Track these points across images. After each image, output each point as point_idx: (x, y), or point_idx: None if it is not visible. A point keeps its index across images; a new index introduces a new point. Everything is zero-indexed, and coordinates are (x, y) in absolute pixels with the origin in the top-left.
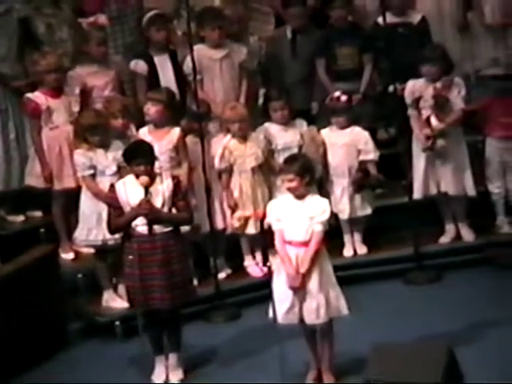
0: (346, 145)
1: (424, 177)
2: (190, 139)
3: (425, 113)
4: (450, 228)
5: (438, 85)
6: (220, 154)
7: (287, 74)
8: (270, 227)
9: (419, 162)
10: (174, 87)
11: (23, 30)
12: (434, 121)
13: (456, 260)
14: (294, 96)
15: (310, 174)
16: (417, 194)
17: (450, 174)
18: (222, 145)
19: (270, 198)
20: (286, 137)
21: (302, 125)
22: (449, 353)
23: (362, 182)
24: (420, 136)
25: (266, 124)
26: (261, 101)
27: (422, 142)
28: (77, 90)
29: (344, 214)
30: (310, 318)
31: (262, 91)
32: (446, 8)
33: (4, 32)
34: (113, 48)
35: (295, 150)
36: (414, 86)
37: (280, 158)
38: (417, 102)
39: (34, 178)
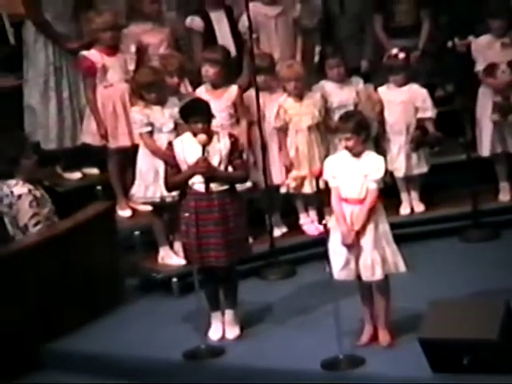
0: (404, 102)
1: (492, 134)
2: (252, 94)
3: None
4: (504, 186)
5: (506, 39)
6: (275, 112)
7: (339, 31)
8: (325, 186)
9: (485, 118)
10: (230, 44)
11: None
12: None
13: None
14: (346, 54)
15: (366, 132)
16: (485, 151)
17: None
18: (277, 103)
19: (327, 156)
20: (341, 95)
21: (358, 83)
22: (505, 309)
23: (420, 140)
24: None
25: (322, 82)
26: (316, 58)
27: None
28: (132, 48)
29: (400, 172)
30: (366, 275)
31: (317, 49)
32: None
33: None
34: (167, 5)
35: (351, 108)
36: (480, 42)
37: (336, 116)
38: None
39: (89, 136)
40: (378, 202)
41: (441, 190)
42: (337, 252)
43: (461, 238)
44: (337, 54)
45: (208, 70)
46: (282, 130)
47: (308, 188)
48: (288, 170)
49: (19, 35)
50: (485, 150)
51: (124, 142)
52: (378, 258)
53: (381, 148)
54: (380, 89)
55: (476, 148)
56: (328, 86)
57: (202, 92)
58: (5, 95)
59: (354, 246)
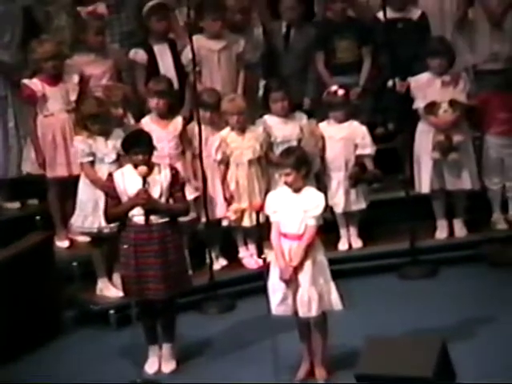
0: (344, 139)
1: (431, 171)
2: (194, 127)
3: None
4: (442, 224)
5: (446, 78)
6: (217, 145)
7: (282, 67)
8: (265, 220)
9: (427, 156)
10: (173, 77)
11: (26, 18)
12: (454, 135)
13: (451, 255)
14: (290, 89)
15: (307, 167)
16: (424, 188)
17: (455, 169)
18: (219, 136)
19: (268, 191)
20: (285, 129)
21: (301, 118)
22: (442, 347)
23: (358, 176)
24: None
25: (266, 116)
26: (261, 92)
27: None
28: (75, 79)
29: (339, 208)
30: (303, 311)
31: (262, 83)
32: (447, 3)
33: (8, 20)
34: (110, 36)
35: (294, 144)
36: (420, 79)
37: (278, 151)
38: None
39: (29, 164)
40: (317, 238)
41: (379, 226)
42: (275, 287)
43: (398, 274)
44: (281, 88)
45: (157, 102)
46: (223, 163)
47: (247, 221)
48: (229, 203)
49: None
50: (424, 186)
51: (62, 172)
52: (314, 294)
53: (321, 183)
54: (321, 124)
55: (414, 185)
56: (271, 120)
57: (148, 122)
58: None
59: (291, 282)
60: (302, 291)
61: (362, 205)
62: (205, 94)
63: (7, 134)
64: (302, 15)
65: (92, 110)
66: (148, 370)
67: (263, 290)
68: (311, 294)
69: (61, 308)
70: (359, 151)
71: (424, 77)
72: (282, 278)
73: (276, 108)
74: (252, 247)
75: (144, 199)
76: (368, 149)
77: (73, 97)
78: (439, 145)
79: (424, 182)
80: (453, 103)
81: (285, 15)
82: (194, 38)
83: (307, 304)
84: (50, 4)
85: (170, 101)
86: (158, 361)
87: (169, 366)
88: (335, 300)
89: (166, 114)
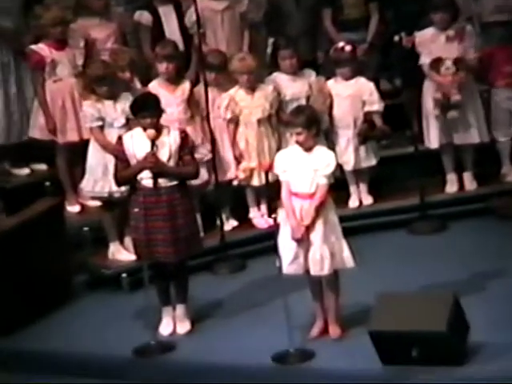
0: (351, 96)
1: (439, 126)
2: (200, 89)
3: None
4: (452, 178)
5: (451, 32)
6: (225, 104)
7: (291, 24)
8: (275, 179)
9: (431, 111)
10: (178, 39)
11: None
12: (453, 94)
13: (461, 210)
14: (299, 47)
15: (317, 126)
16: (433, 143)
17: (464, 123)
18: (228, 95)
19: (278, 149)
20: (294, 87)
21: (310, 75)
22: (454, 302)
23: (367, 133)
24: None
25: (275, 74)
26: (269, 50)
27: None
28: (81, 43)
29: (349, 166)
30: (315, 270)
31: (270, 40)
32: None
33: None
34: (115, 0)
35: (303, 101)
36: (424, 35)
37: (288, 109)
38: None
39: (37, 131)
40: (328, 196)
41: (389, 183)
42: (286, 246)
43: (408, 230)
44: (289, 46)
45: (167, 67)
46: (232, 122)
47: (257, 181)
48: (238, 162)
49: None
50: (433, 141)
51: (72, 137)
52: (327, 252)
53: (329, 141)
54: (328, 82)
55: (423, 141)
56: (280, 78)
57: (156, 87)
58: None
59: (303, 241)
60: (314, 250)
61: (372, 161)
62: (210, 56)
63: (9, 101)
64: None
65: (98, 72)
66: (162, 332)
67: (274, 250)
68: (323, 252)
69: (73, 273)
70: (367, 108)
71: (428, 32)
72: (294, 236)
73: (285, 65)
74: (263, 207)
75: (152, 162)
76: (376, 105)
77: (79, 61)
78: (437, 102)
79: (432, 137)
80: (457, 62)
81: None
82: None
83: (319, 262)
84: None
85: (178, 64)
86: (173, 322)
87: (183, 327)
88: (347, 258)
89: (174, 78)
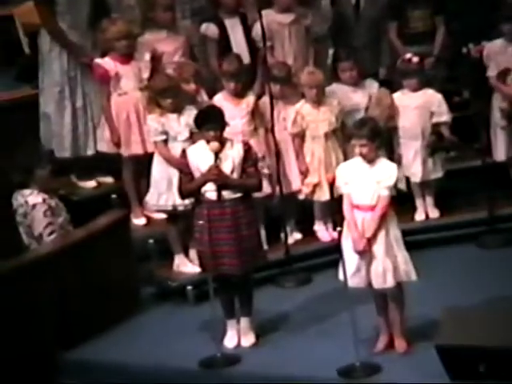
0: (419, 107)
1: (506, 138)
2: (266, 101)
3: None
4: None
5: None
6: (293, 118)
7: (353, 37)
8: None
9: (499, 123)
10: (245, 50)
11: None
12: None
13: None
14: (361, 59)
15: (380, 138)
16: (500, 155)
17: None
18: (295, 109)
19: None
20: (354, 98)
21: (372, 86)
22: None
23: (436, 145)
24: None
25: (334, 85)
26: (329, 62)
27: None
28: (147, 57)
29: (416, 178)
30: (378, 282)
31: (330, 52)
32: None
33: (75, 0)
34: (180, 13)
35: (362, 112)
36: (493, 46)
37: (348, 120)
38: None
39: (104, 144)
40: (390, 209)
41: (456, 196)
42: (348, 259)
43: (477, 244)
44: (350, 57)
45: (235, 87)
46: (299, 137)
47: (326, 195)
48: (304, 176)
49: (34, 45)
50: (500, 154)
51: (137, 150)
52: (389, 265)
53: (396, 153)
54: (395, 94)
55: (491, 154)
56: (340, 89)
57: (221, 99)
58: (21, 105)
59: (365, 253)
60: (376, 262)
61: (439, 173)
62: (275, 68)
63: (76, 114)
64: None
65: (162, 85)
66: (227, 345)
67: (339, 263)
68: (386, 265)
69: (139, 285)
70: (435, 119)
71: (497, 43)
72: (356, 249)
73: (345, 77)
74: (327, 220)
75: (215, 175)
76: (444, 116)
77: (145, 74)
78: (504, 113)
79: (500, 150)
80: None
81: None
82: (264, 12)
83: (382, 275)
84: None
85: (243, 80)
86: (237, 335)
87: (248, 340)
88: (410, 271)
89: (240, 93)
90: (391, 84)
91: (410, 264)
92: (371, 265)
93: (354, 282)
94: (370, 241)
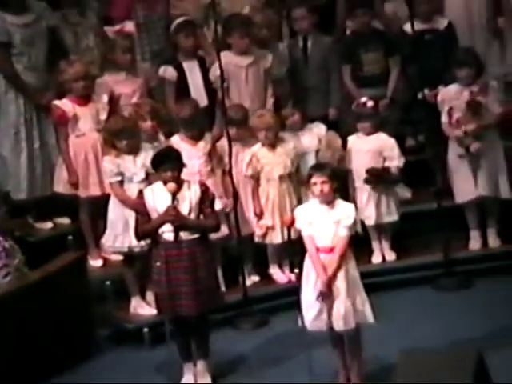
0: (372, 151)
1: (463, 180)
2: (224, 144)
3: (456, 116)
4: (475, 234)
5: (475, 88)
6: (248, 160)
7: (302, 80)
8: (297, 235)
9: (458, 166)
10: (203, 93)
11: (52, 39)
12: (467, 124)
13: (486, 266)
14: (309, 103)
15: (338, 181)
16: (459, 198)
17: (486, 176)
18: (251, 151)
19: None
20: (302, 142)
21: (320, 128)
22: (479, 359)
23: (377, 172)
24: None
25: (281, 133)
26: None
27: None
28: (105, 98)
29: (371, 220)
30: (338, 324)
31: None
32: (475, 13)
33: (34, 41)
34: (140, 55)
35: (312, 155)
36: (448, 92)
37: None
38: (450, 107)
39: (61, 185)
40: (349, 250)
41: (412, 238)
42: (309, 303)
43: (433, 286)
44: (288, 103)
45: (186, 130)
46: (254, 179)
47: (279, 238)
48: (259, 219)
49: None
50: (458, 196)
51: (95, 191)
52: (350, 306)
53: (350, 196)
54: (349, 138)
55: (446, 196)
56: (287, 135)
57: (178, 141)
58: None
59: (326, 296)
60: (337, 304)
61: (394, 217)
62: (231, 110)
63: (33, 156)
64: (316, 26)
65: (117, 126)
66: None
67: (296, 305)
68: (347, 306)
69: (95, 327)
70: (387, 163)
71: (452, 88)
72: (323, 291)
73: (288, 123)
74: (284, 262)
75: (173, 216)
76: (396, 160)
77: (103, 116)
78: (459, 140)
79: (460, 192)
80: (471, 104)
81: (297, 25)
82: (222, 54)
83: (343, 317)
84: (78, 25)
85: (199, 125)
86: (194, 378)
87: (205, 382)
88: (368, 313)
89: (197, 134)
90: (340, 125)
91: (368, 306)
92: (332, 307)
93: (316, 325)
94: (331, 281)
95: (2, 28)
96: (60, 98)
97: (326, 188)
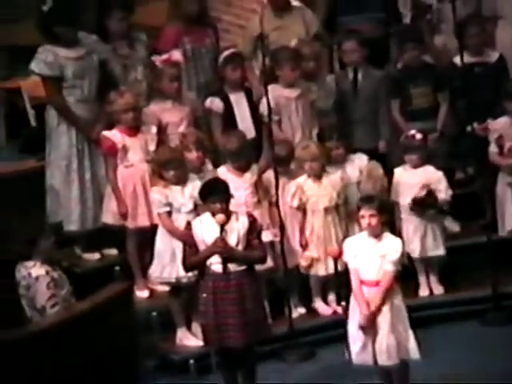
0: (419, 184)
1: None
2: (270, 175)
3: (508, 145)
4: None
5: None
6: (293, 192)
7: (352, 112)
8: (344, 268)
9: (506, 196)
10: (250, 125)
11: (102, 71)
12: None
13: None
14: (356, 135)
15: (387, 214)
16: (508, 225)
17: None
18: (296, 183)
19: (345, 239)
20: (345, 173)
21: (362, 160)
22: None
23: (423, 199)
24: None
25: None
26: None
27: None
28: (153, 129)
29: (415, 253)
30: (382, 359)
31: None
32: None
33: (85, 74)
34: (186, 85)
35: (354, 187)
36: (497, 124)
37: None
38: (499, 135)
39: (110, 216)
40: (395, 283)
41: (461, 272)
42: (355, 335)
43: (481, 321)
44: (332, 136)
45: (233, 162)
46: (300, 210)
47: (323, 270)
48: (304, 250)
49: (41, 117)
50: (506, 228)
51: (143, 222)
52: (393, 341)
53: (396, 229)
54: (396, 170)
55: (496, 230)
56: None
57: (224, 172)
58: (25, 177)
59: (369, 329)
60: (380, 338)
61: (440, 251)
62: (277, 147)
63: (84, 187)
64: (366, 59)
65: (165, 157)
66: None
67: (343, 338)
68: (390, 341)
69: (142, 358)
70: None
71: (501, 121)
72: (364, 324)
73: (333, 155)
74: (331, 295)
75: (221, 247)
76: (443, 193)
77: (152, 147)
78: (510, 169)
79: (507, 224)
80: None
81: (347, 58)
82: (270, 87)
83: (386, 351)
84: (127, 57)
85: (246, 158)
86: None
87: None
88: (413, 348)
89: (244, 165)
90: (388, 158)
91: (413, 341)
92: (376, 341)
93: (361, 359)
94: (375, 316)
95: (54, 62)
96: (109, 128)
97: (374, 221)
